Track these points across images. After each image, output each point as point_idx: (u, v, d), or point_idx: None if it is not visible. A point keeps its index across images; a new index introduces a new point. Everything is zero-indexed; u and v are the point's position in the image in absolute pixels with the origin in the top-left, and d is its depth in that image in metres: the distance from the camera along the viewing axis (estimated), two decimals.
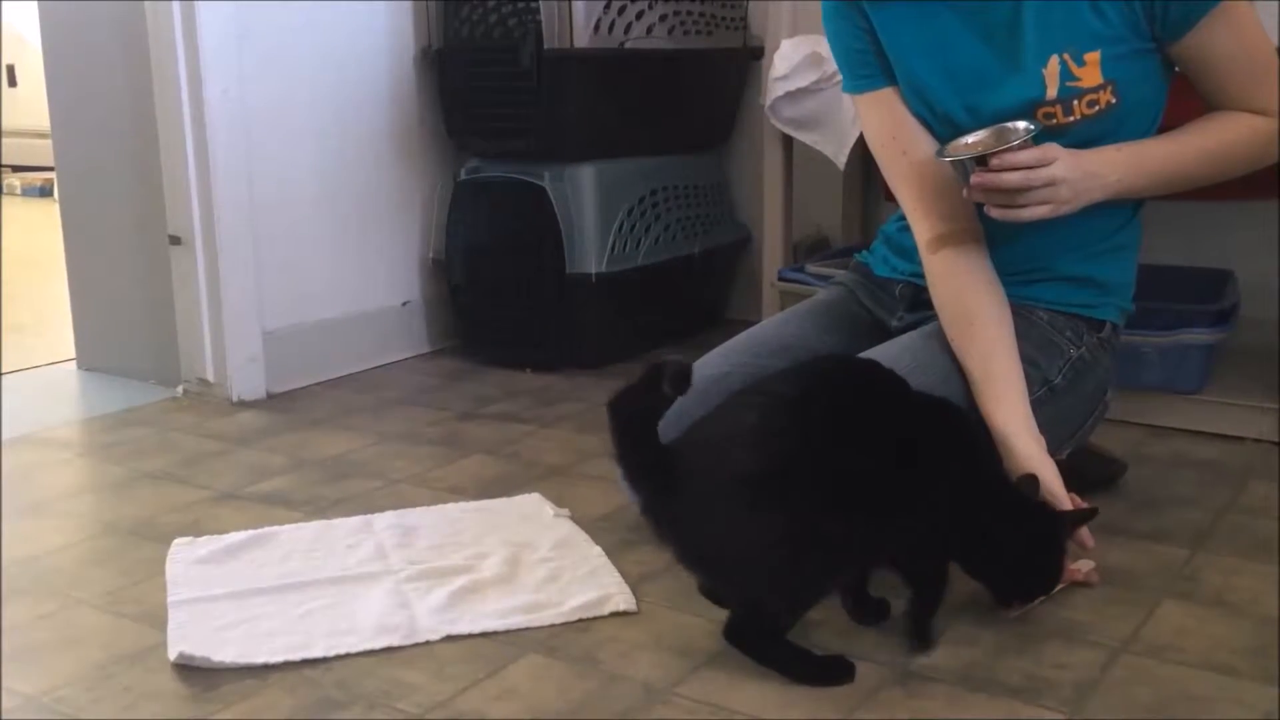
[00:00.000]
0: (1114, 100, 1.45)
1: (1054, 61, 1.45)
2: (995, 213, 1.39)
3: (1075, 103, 1.45)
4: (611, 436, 1.23)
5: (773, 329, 1.68)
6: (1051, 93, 1.45)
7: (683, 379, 1.18)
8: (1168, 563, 1.57)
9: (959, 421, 1.36)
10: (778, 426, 1.24)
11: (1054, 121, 1.46)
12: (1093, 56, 1.44)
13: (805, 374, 1.32)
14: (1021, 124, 1.40)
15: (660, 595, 1.47)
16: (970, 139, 1.42)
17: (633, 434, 1.23)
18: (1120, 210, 1.55)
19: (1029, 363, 1.48)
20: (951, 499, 1.29)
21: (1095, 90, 1.45)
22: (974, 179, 1.37)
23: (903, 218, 1.64)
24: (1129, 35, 1.43)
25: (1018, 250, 1.54)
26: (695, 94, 2.80)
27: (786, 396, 1.27)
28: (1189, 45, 1.43)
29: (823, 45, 2.38)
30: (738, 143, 2.99)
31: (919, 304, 1.62)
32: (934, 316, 1.55)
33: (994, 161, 1.36)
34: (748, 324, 1.73)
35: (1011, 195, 1.37)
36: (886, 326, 1.67)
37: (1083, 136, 1.44)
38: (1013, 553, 1.34)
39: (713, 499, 1.23)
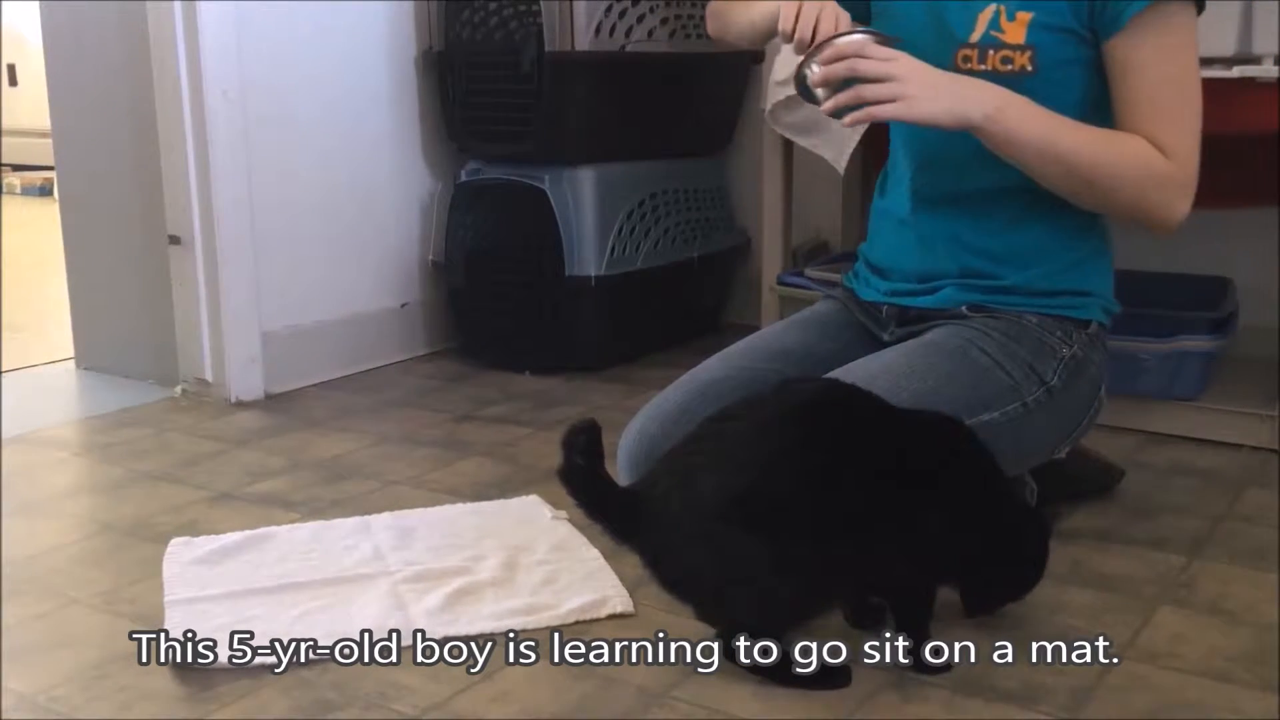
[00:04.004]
0: (1030, 69, 1.46)
1: (991, 8, 1.47)
2: (851, 118, 1.37)
3: (991, 53, 1.47)
4: (574, 501, 1.26)
5: (771, 335, 1.68)
6: (975, 36, 1.48)
7: (590, 448, 1.23)
8: (1165, 569, 1.57)
9: (951, 436, 1.34)
10: (747, 453, 1.23)
11: (969, 66, 1.48)
12: (1024, 16, 1.45)
13: (777, 398, 1.30)
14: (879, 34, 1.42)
15: (657, 598, 1.46)
16: None
17: (589, 493, 1.26)
18: (1061, 227, 1.54)
19: (1026, 367, 1.49)
20: (947, 514, 1.28)
21: (1013, 49, 1.46)
22: (811, 79, 1.38)
23: (872, 230, 1.66)
24: (1068, 13, 1.44)
25: (981, 264, 1.55)
26: (696, 98, 2.80)
27: (757, 421, 1.26)
28: (1116, 46, 1.43)
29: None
30: (738, 147, 3.00)
31: (907, 320, 1.62)
32: (926, 329, 1.56)
33: (824, 54, 1.37)
34: (746, 328, 1.73)
35: (854, 91, 1.35)
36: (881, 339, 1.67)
37: None
38: (999, 563, 1.34)
39: (684, 529, 1.23)
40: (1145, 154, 1.43)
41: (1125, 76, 1.44)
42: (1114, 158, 1.43)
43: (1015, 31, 1.45)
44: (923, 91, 1.36)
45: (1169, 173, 1.43)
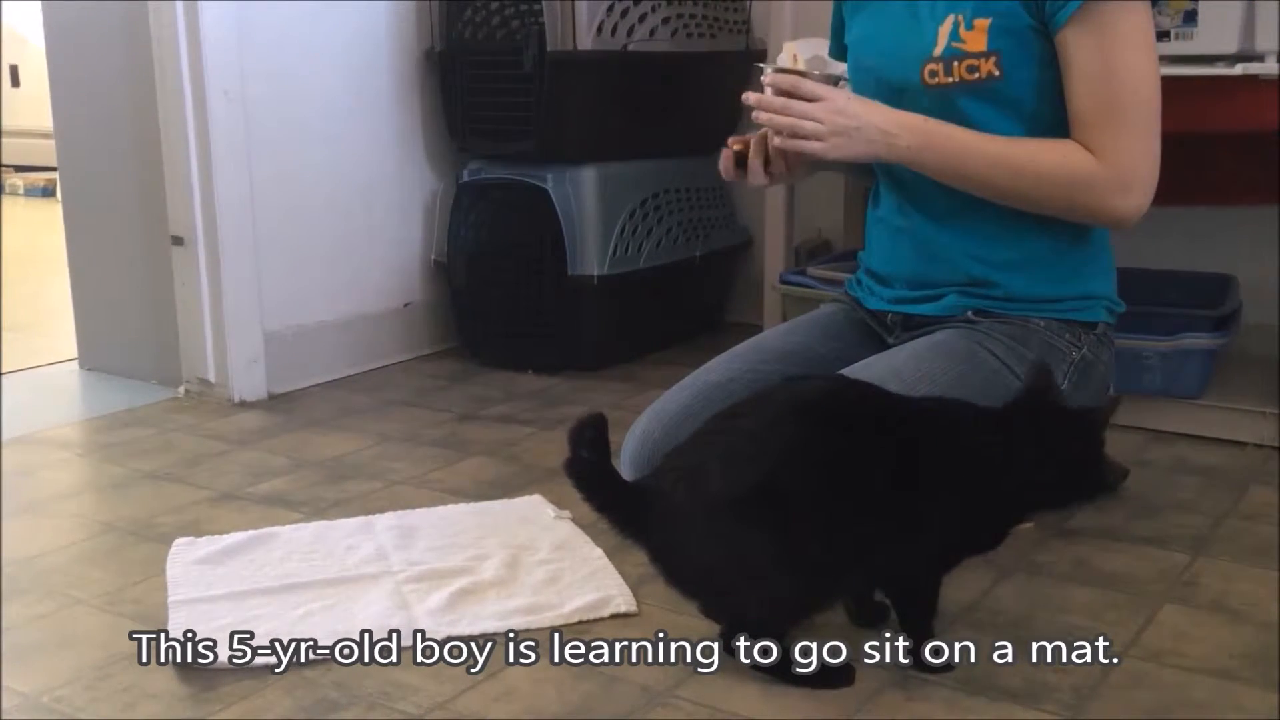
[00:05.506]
0: (997, 74, 1.46)
1: (950, 20, 1.48)
2: (774, 140, 1.48)
3: (956, 64, 1.48)
4: (581, 495, 1.26)
5: (775, 337, 1.68)
6: (938, 50, 1.48)
7: (598, 442, 1.23)
8: (1168, 567, 1.57)
9: (960, 426, 1.33)
10: (756, 448, 1.23)
11: (936, 80, 1.49)
12: (982, 23, 1.46)
13: (785, 394, 1.30)
14: (836, 72, 1.47)
15: (660, 597, 1.46)
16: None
17: (596, 487, 1.25)
18: (1054, 232, 1.53)
19: None
20: (956, 512, 1.27)
21: (977, 57, 1.46)
22: (751, 96, 1.46)
23: (869, 239, 1.67)
24: (1020, 10, 1.44)
25: (981, 271, 1.56)
26: (698, 96, 2.80)
27: (765, 417, 1.26)
28: (1061, 42, 1.44)
29: (825, 49, 2.38)
30: None
31: (912, 326, 1.62)
32: (930, 332, 1.55)
33: (765, 79, 1.45)
34: (749, 327, 1.73)
35: (781, 122, 1.44)
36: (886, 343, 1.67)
37: (965, 114, 1.47)
38: (1053, 460, 1.29)
39: (692, 523, 1.23)
40: (1069, 162, 1.43)
41: (1067, 72, 1.45)
42: (1033, 173, 1.44)
43: (976, 39, 1.46)
44: (838, 138, 1.43)
45: (1095, 176, 1.42)
